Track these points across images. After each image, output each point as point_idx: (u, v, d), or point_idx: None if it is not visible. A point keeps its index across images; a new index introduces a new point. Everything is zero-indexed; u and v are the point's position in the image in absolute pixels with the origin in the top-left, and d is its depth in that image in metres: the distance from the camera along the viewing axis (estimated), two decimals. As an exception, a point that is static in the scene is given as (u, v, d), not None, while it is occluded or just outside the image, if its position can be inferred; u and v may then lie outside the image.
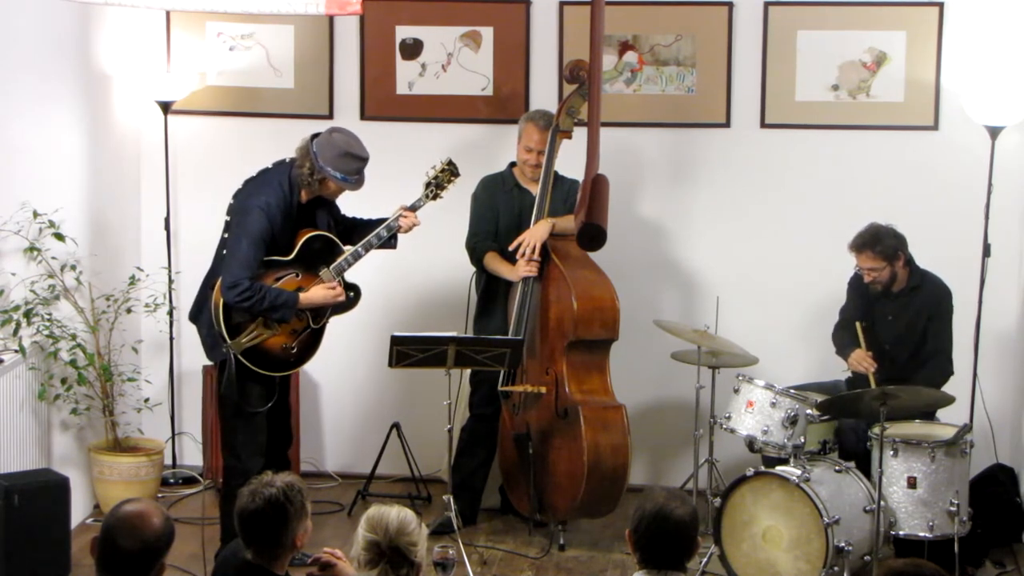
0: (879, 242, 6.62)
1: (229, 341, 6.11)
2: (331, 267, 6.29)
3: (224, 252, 6.18)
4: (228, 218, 6.25)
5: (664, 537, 4.15)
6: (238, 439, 6.27)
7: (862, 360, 6.64)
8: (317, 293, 6.23)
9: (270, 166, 6.30)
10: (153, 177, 7.65)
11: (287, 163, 6.25)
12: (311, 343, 6.35)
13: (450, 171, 6.50)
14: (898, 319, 6.76)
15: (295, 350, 6.29)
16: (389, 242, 6.45)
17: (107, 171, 7.30)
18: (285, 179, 6.19)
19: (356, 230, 6.44)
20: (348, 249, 6.34)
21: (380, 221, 6.40)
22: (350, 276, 6.39)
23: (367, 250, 6.35)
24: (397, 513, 4.20)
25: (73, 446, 6.97)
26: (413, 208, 6.44)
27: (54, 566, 5.97)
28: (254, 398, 6.23)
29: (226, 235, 6.22)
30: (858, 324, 6.71)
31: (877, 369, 6.61)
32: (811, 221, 7.45)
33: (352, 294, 6.39)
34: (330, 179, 6.16)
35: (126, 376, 7.18)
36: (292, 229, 6.23)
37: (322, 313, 6.32)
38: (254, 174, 6.29)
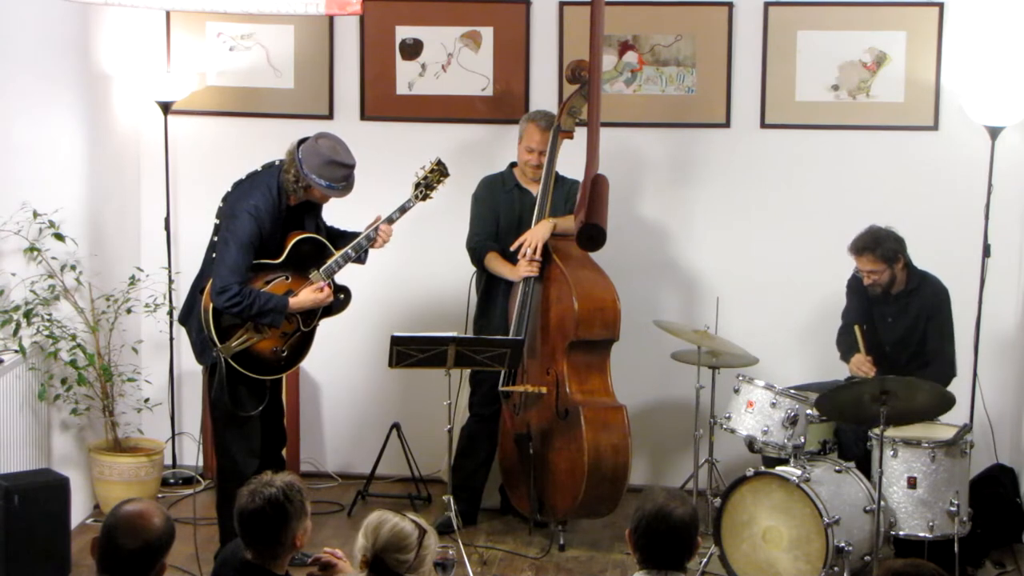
0: (879, 245, 6.62)
1: (219, 345, 6.10)
2: (321, 269, 6.28)
3: (213, 256, 6.18)
4: (217, 222, 6.24)
5: (664, 537, 4.15)
6: (232, 442, 6.26)
7: (862, 365, 6.65)
8: (306, 297, 6.21)
9: (259, 169, 6.29)
10: (153, 177, 7.65)
11: (276, 166, 6.23)
12: (301, 346, 6.33)
13: (439, 171, 6.48)
14: (898, 321, 6.76)
15: (285, 353, 6.27)
16: (360, 258, 6.40)
17: (107, 171, 7.31)
18: (274, 183, 6.16)
19: (337, 239, 6.40)
20: (338, 251, 6.31)
21: (357, 233, 6.36)
22: (342, 278, 6.37)
23: (356, 252, 6.32)
24: (394, 527, 4.19)
25: (73, 446, 6.97)
26: (403, 209, 6.40)
27: (54, 566, 5.97)
28: (246, 401, 6.22)
29: (215, 239, 6.21)
30: (856, 328, 6.71)
31: (878, 372, 6.61)
32: (811, 221, 7.45)
33: (342, 296, 6.37)
34: (315, 187, 6.14)
35: (126, 376, 7.18)
36: (281, 232, 6.21)
37: (312, 316, 6.30)
38: (243, 177, 6.28)
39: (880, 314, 6.79)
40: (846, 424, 6.47)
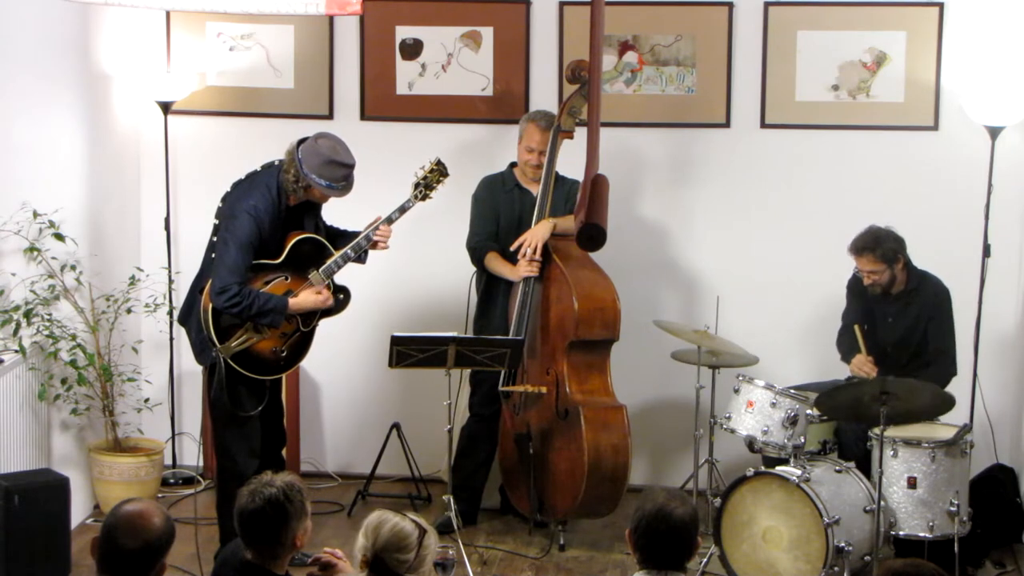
0: (879, 245, 6.62)
1: (218, 345, 6.10)
2: (320, 270, 6.28)
3: (212, 256, 6.17)
4: (216, 222, 6.23)
5: (664, 537, 4.15)
6: (232, 442, 6.25)
7: (863, 365, 6.64)
8: (306, 298, 6.21)
9: (258, 169, 6.29)
10: (153, 177, 7.65)
11: (275, 166, 6.23)
12: (301, 346, 6.33)
13: (439, 171, 6.48)
14: (898, 321, 6.76)
15: (285, 353, 6.26)
16: (360, 258, 6.40)
17: (107, 171, 7.31)
18: (273, 183, 6.16)
19: (337, 238, 6.40)
20: (337, 252, 6.31)
21: (357, 233, 6.36)
22: (342, 278, 6.37)
23: (356, 253, 6.32)
24: (394, 526, 4.19)
25: (73, 446, 6.97)
26: (402, 209, 6.40)
27: (54, 566, 5.97)
28: (245, 401, 6.21)
29: (214, 239, 6.21)
30: (856, 328, 6.71)
31: (879, 372, 6.61)
32: (811, 221, 7.45)
33: (341, 296, 6.37)
34: (314, 186, 6.14)
35: (126, 376, 7.18)
36: (281, 232, 6.21)
37: (311, 316, 6.29)
38: (242, 177, 6.28)
39: (880, 314, 6.79)
40: (845, 422, 6.47)
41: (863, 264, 6.67)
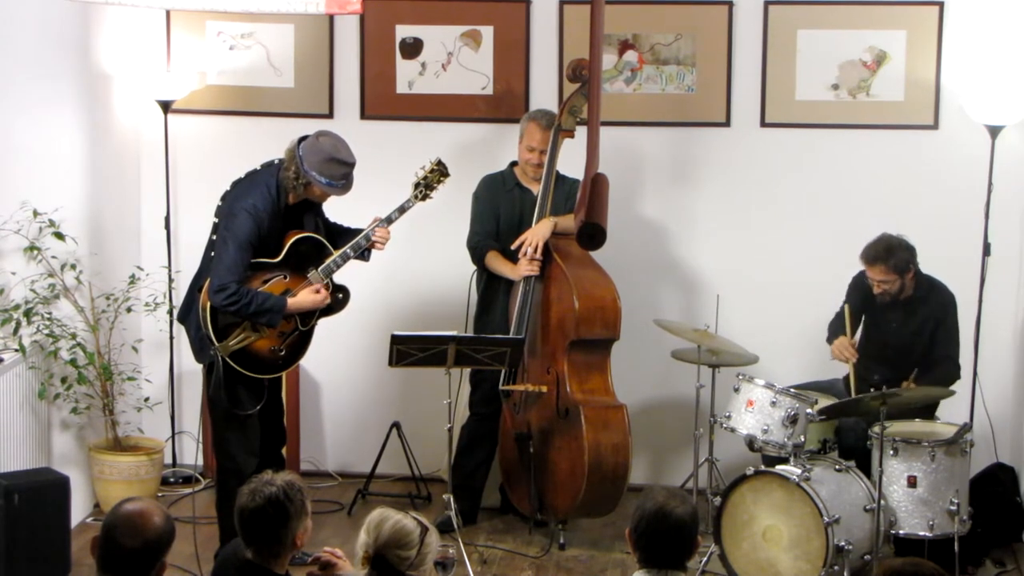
0: (892, 255, 6.60)
1: (217, 344, 6.10)
2: (319, 269, 6.27)
3: (212, 255, 6.17)
4: (216, 220, 6.23)
5: (664, 536, 4.15)
6: (231, 441, 6.25)
7: (844, 348, 6.64)
8: (304, 298, 6.20)
9: (258, 168, 6.29)
10: (153, 177, 7.65)
11: (275, 165, 6.22)
12: (300, 345, 6.32)
13: (439, 171, 6.47)
14: (904, 325, 6.75)
15: (283, 352, 6.26)
16: (363, 255, 6.41)
17: (107, 171, 7.30)
18: (272, 181, 6.16)
19: (339, 236, 6.40)
20: (336, 251, 6.31)
21: (359, 230, 6.36)
22: (343, 276, 6.36)
23: (355, 252, 6.32)
24: (396, 523, 4.20)
25: (73, 445, 6.97)
26: (402, 209, 6.39)
27: (54, 566, 5.97)
28: (244, 400, 6.21)
29: (214, 237, 6.21)
30: (846, 306, 6.70)
31: (879, 373, 6.61)
32: (811, 220, 7.45)
33: (340, 295, 6.37)
34: (315, 184, 6.14)
35: (126, 375, 7.18)
36: (280, 231, 6.20)
37: (310, 315, 6.29)
38: (242, 176, 6.28)
39: (885, 318, 6.78)
40: (846, 416, 6.46)
41: (875, 274, 6.65)
